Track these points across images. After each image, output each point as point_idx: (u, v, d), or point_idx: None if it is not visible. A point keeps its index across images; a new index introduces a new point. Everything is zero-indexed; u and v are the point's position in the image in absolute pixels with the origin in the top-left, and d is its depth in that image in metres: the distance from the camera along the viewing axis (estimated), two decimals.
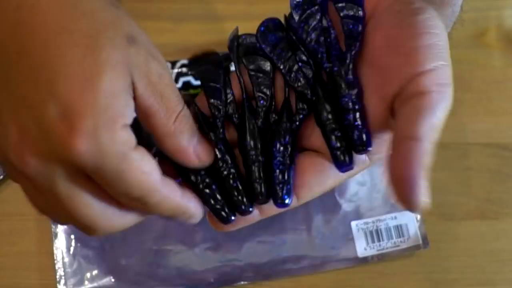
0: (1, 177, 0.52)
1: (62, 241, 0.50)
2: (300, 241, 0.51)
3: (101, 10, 0.32)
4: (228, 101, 0.38)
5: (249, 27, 0.57)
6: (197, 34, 0.57)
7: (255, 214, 0.38)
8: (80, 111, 0.30)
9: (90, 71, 0.30)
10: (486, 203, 0.53)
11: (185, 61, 0.54)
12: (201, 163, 0.36)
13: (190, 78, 0.53)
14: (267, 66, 0.39)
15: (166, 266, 0.50)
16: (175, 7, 0.57)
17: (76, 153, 0.30)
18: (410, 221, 0.52)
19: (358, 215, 0.52)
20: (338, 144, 0.37)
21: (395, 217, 0.52)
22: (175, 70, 0.54)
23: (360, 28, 0.37)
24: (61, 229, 0.50)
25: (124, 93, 0.31)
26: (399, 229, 0.51)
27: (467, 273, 0.51)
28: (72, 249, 0.50)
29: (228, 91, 0.38)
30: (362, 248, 0.51)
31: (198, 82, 0.53)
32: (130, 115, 0.32)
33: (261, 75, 0.39)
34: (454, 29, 0.40)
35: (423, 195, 0.31)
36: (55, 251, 0.49)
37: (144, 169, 0.32)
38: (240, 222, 0.38)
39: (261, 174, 0.37)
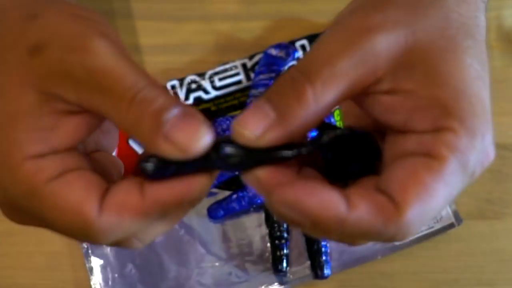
0: None
1: (98, 276, 0.50)
2: None
3: (7, 32, 0.28)
4: None
5: (249, 27, 0.57)
6: (197, 34, 0.57)
7: None
8: None
9: None
10: (486, 203, 0.53)
11: (193, 77, 0.54)
12: (181, 152, 0.25)
13: (201, 93, 0.53)
14: None
15: (205, 283, 0.50)
16: (175, 7, 0.57)
17: None
18: None
19: None
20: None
21: None
22: (184, 87, 0.53)
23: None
24: (96, 264, 0.50)
25: (23, 117, 0.26)
26: None
27: (467, 273, 0.51)
28: (110, 282, 0.50)
29: None
30: None
31: (208, 96, 0.53)
32: (40, 138, 0.27)
33: None
34: None
35: None
36: (93, 287, 0.49)
37: (64, 204, 0.26)
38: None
39: None
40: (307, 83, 0.27)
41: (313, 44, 0.29)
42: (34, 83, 0.27)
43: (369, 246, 0.51)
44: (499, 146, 0.55)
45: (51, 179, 0.26)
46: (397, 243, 0.51)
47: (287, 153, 0.27)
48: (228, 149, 0.26)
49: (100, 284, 0.49)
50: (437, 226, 0.51)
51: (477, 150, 0.27)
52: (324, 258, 0.49)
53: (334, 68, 0.27)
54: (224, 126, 0.50)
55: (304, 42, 0.55)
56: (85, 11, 0.29)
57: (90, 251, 0.50)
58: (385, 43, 0.27)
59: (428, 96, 0.27)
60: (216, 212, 0.51)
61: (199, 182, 0.27)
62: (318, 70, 0.27)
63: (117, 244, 0.29)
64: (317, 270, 0.49)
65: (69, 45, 0.27)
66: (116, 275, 0.50)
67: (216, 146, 0.26)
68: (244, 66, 0.55)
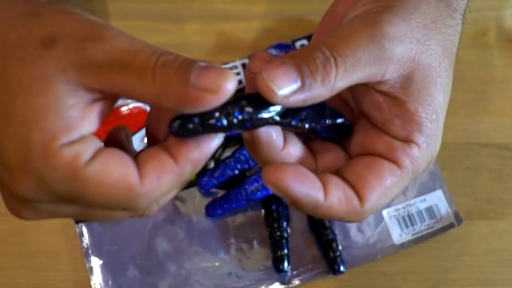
0: None
1: (98, 276, 0.50)
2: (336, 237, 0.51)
3: (12, 30, 0.29)
4: None
5: (249, 27, 0.57)
6: (197, 34, 0.57)
7: None
8: (6, 151, 0.28)
9: (5, 105, 0.28)
10: (486, 203, 0.53)
11: None
12: (216, 95, 0.27)
13: None
14: None
15: (205, 283, 0.50)
16: (175, 7, 0.57)
17: (24, 192, 0.28)
18: (440, 201, 0.52)
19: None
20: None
21: (425, 199, 0.52)
22: None
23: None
24: (96, 264, 0.50)
25: (51, 109, 0.27)
26: (430, 211, 0.52)
27: (467, 273, 0.52)
28: (110, 282, 0.50)
29: None
30: (397, 234, 0.51)
31: None
32: (70, 127, 0.28)
33: None
34: None
35: None
36: (93, 286, 0.49)
37: (108, 180, 0.28)
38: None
39: None
40: (334, 66, 0.30)
41: (344, 26, 0.32)
42: (55, 75, 0.28)
43: (369, 246, 0.51)
44: (499, 146, 0.55)
45: (89, 162, 0.28)
46: (397, 243, 0.51)
47: (294, 125, 0.31)
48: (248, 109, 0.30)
49: (100, 284, 0.49)
50: (437, 226, 0.51)
51: (427, 161, 0.33)
52: (338, 253, 0.50)
53: (357, 60, 0.30)
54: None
55: (304, 42, 0.55)
56: (74, 8, 0.30)
57: (90, 251, 0.50)
58: (400, 53, 0.31)
59: (413, 110, 0.32)
60: (214, 210, 0.51)
61: (217, 137, 0.30)
62: (345, 57, 0.30)
63: (145, 211, 0.31)
64: (334, 265, 0.50)
65: (82, 34, 0.28)
66: (116, 275, 0.50)
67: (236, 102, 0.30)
68: (244, 66, 0.55)
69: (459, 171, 0.54)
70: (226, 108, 0.29)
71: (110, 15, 0.56)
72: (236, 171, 0.51)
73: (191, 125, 0.28)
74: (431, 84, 0.32)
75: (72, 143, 0.28)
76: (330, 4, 0.39)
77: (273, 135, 0.32)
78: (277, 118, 0.30)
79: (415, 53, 0.32)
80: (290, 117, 0.31)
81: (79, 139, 0.28)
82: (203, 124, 0.28)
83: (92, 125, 0.29)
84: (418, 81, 0.32)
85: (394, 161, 0.32)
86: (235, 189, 0.51)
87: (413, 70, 0.32)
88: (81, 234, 0.50)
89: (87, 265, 0.50)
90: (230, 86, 0.28)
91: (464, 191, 0.53)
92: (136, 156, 0.30)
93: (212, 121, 0.28)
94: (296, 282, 0.50)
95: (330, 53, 0.30)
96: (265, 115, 0.30)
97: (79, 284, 0.50)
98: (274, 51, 0.54)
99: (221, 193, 0.51)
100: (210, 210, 0.51)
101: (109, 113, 0.30)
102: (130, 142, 0.34)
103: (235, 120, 0.29)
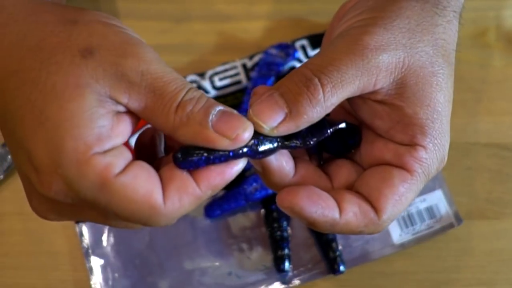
0: (1, 177, 0.52)
1: (98, 276, 0.50)
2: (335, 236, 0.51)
3: (50, 35, 0.29)
4: None
5: (249, 27, 0.57)
6: (197, 34, 0.57)
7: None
8: (37, 153, 0.28)
9: (38, 107, 0.28)
10: (486, 203, 0.53)
11: (193, 77, 0.54)
12: (233, 141, 0.29)
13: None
14: None
15: (205, 283, 0.50)
16: (175, 7, 0.57)
17: (51, 194, 0.29)
18: (440, 201, 0.52)
19: None
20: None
21: (424, 199, 0.52)
22: None
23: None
24: (96, 264, 0.50)
25: (84, 116, 0.28)
26: (430, 211, 0.52)
27: (467, 273, 0.52)
28: (110, 282, 0.50)
29: None
30: (397, 234, 0.51)
31: (209, 96, 0.53)
32: (103, 136, 0.28)
33: None
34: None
35: None
36: (93, 286, 0.49)
37: (134, 196, 0.29)
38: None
39: None
40: (319, 85, 0.31)
41: (326, 46, 0.33)
42: (89, 84, 0.28)
43: (369, 246, 0.51)
44: (499, 146, 0.55)
45: (120, 174, 0.29)
46: (397, 243, 0.51)
47: (299, 145, 0.32)
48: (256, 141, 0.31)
49: (100, 284, 0.49)
50: (437, 226, 0.51)
51: (438, 161, 0.33)
52: (337, 253, 0.50)
53: (343, 75, 0.31)
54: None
55: (304, 42, 0.55)
56: (112, 18, 0.31)
57: (90, 251, 0.50)
58: (387, 61, 0.32)
59: (412, 113, 0.32)
60: (213, 210, 0.51)
61: (240, 163, 0.31)
62: (330, 74, 0.31)
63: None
64: (334, 265, 0.50)
65: (120, 49, 0.29)
66: (116, 275, 0.50)
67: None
68: (244, 66, 0.55)
69: (459, 171, 0.54)
70: None
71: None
72: None
73: (194, 159, 0.30)
74: (426, 85, 0.33)
75: (104, 152, 0.29)
76: (330, 4, 0.39)
77: (283, 162, 0.33)
78: (280, 143, 0.32)
79: (404, 58, 0.32)
80: (294, 138, 0.32)
81: (111, 149, 0.29)
82: (208, 158, 0.30)
83: (122, 136, 0.30)
84: (412, 85, 0.32)
85: (403, 167, 0.33)
86: (234, 189, 0.51)
87: (405, 74, 0.32)
88: (81, 234, 0.50)
89: (87, 265, 0.50)
90: (247, 135, 0.30)
91: (464, 191, 0.53)
92: (160, 171, 0.31)
93: (218, 155, 0.30)
94: (296, 282, 0.50)
95: (312, 74, 0.31)
96: (267, 143, 0.31)
97: (79, 284, 0.50)
98: (274, 51, 0.54)
99: (220, 193, 0.51)
100: (209, 211, 0.51)
101: (135, 127, 0.31)
102: (161, 143, 0.35)
103: (241, 151, 0.30)
